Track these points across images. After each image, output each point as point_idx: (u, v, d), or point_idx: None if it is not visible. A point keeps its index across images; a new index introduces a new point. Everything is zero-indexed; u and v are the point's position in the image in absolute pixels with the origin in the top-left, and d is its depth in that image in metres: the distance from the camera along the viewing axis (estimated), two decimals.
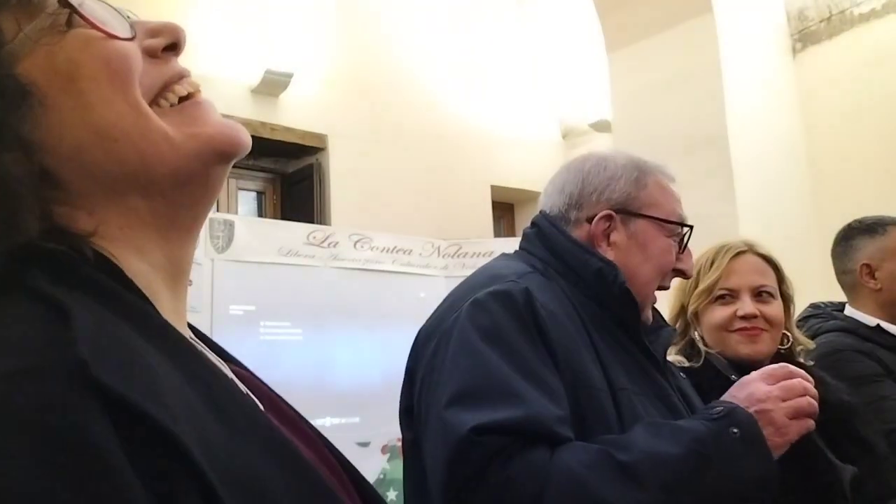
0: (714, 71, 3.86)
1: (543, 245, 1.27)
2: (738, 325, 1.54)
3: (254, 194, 5.11)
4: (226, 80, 4.52)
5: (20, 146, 0.48)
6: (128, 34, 0.53)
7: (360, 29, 5.16)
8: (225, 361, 0.62)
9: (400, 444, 3.55)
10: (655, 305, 1.33)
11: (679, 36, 4.01)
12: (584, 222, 1.25)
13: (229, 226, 3.02)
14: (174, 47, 0.57)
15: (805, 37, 4.31)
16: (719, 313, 1.57)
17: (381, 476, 3.16)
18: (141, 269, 0.53)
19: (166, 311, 0.54)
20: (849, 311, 1.96)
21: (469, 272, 4.04)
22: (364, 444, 3.16)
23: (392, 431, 3.35)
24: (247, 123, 4.63)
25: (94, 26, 0.52)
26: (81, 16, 0.52)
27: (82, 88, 0.51)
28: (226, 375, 0.56)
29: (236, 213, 4.76)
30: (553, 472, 0.95)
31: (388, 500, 3.14)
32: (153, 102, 0.54)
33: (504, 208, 6.19)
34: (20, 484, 0.36)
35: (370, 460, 3.15)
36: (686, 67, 3.96)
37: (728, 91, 3.83)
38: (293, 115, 4.80)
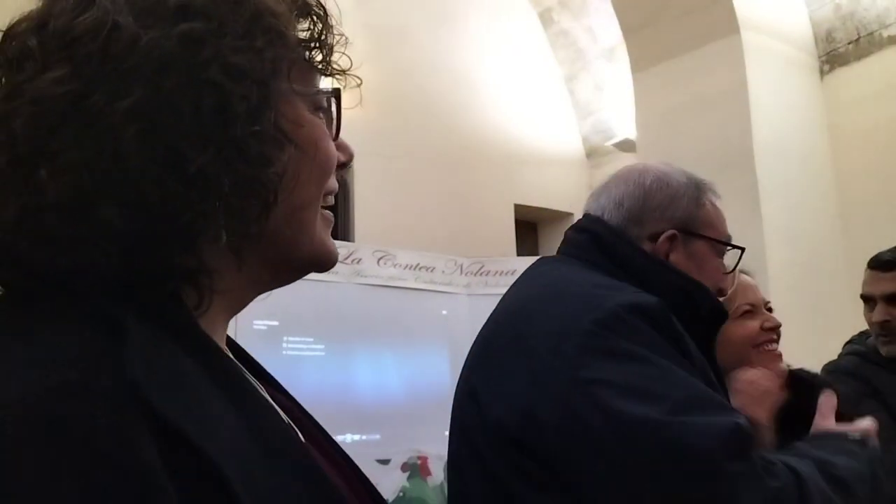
0: (740, 92, 3.84)
1: (605, 255, 1.19)
2: (764, 337, 1.53)
3: None
4: None
5: (259, 155, 0.52)
6: None
7: (384, 48, 5.21)
8: (260, 379, 0.65)
9: (420, 462, 3.51)
10: None
11: (705, 57, 4.00)
12: (645, 240, 1.19)
13: None
14: (343, 167, 0.65)
15: (832, 58, 4.28)
16: (749, 327, 1.53)
17: (401, 494, 3.15)
18: (218, 303, 0.56)
19: (217, 337, 0.58)
20: None
21: (492, 290, 4.01)
22: (384, 462, 3.15)
23: (412, 449, 3.36)
24: None
25: (337, 125, 0.61)
26: (339, 114, 0.61)
27: (306, 160, 0.57)
28: (270, 405, 0.57)
29: None
30: (802, 477, 0.95)
31: None
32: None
33: (527, 227, 6.19)
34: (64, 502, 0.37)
35: (390, 477, 3.14)
36: (712, 88, 3.95)
37: (754, 112, 3.81)
38: None
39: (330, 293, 3.20)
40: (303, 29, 0.58)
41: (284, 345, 3.10)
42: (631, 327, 0.98)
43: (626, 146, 5.55)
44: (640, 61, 4.34)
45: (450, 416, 1.14)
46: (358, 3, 5.09)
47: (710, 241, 1.22)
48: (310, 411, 0.69)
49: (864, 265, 2.01)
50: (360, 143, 5.28)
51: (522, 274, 1.24)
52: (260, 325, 3.03)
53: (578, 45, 6.00)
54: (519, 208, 5.76)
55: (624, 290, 1.06)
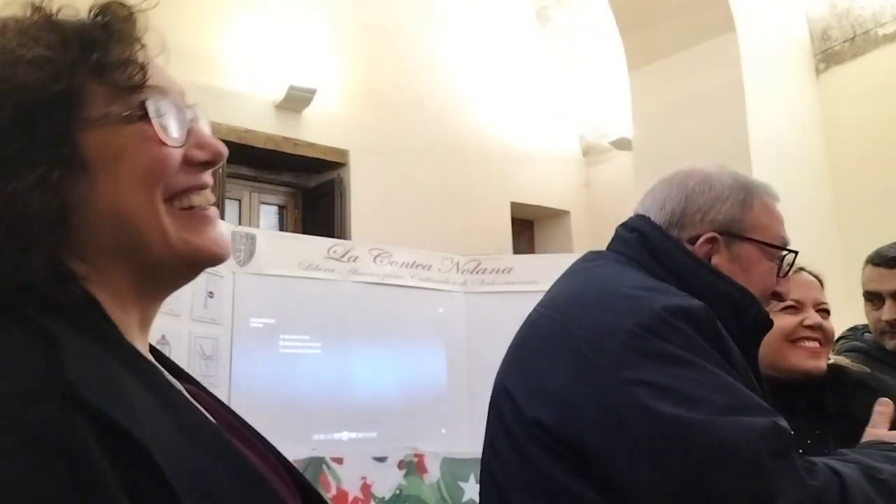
0: (736, 90, 3.85)
1: (651, 255, 1.19)
2: (802, 334, 1.54)
3: (275, 208, 5.15)
4: (250, 96, 4.58)
5: (53, 192, 0.57)
6: (179, 140, 0.64)
7: (382, 46, 5.21)
8: (181, 380, 0.70)
9: (416, 459, 3.50)
10: None
11: (701, 55, 4.01)
12: (685, 242, 1.19)
13: (251, 239, 3.04)
14: (210, 165, 0.67)
15: (828, 57, 4.29)
16: (785, 321, 1.55)
17: (398, 491, 3.15)
18: (116, 310, 0.62)
19: (135, 344, 0.63)
20: None
21: (488, 288, 3.98)
22: (381, 459, 3.15)
23: (409, 447, 3.36)
24: (270, 138, 4.68)
25: (156, 135, 0.62)
26: (151, 124, 0.62)
27: (120, 173, 0.60)
28: (185, 395, 0.64)
29: (258, 226, 4.80)
30: (844, 479, 0.95)
31: None
32: (170, 200, 0.64)
33: (524, 225, 6.20)
34: (25, 493, 0.44)
35: (387, 475, 3.14)
36: (708, 86, 3.96)
37: (750, 110, 3.82)
38: (315, 130, 4.85)
39: (327, 291, 3.20)
40: (102, 52, 0.62)
41: (281, 343, 3.09)
42: (673, 330, 0.99)
43: (622, 144, 5.55)
44: (637, 59, 4.35)
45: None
46: (355, 3, 5.10)
47: (759, 243, 1.21)
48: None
49: (860, 261, 2.00)
50: (356, 141, 5.29)
51: (570, 268, 1.25)
52: (257, 323, 3.02)
53: (575, 42, 6.01)
54: (515, 206, 5.77)
55: (669, 292, 1.07)
